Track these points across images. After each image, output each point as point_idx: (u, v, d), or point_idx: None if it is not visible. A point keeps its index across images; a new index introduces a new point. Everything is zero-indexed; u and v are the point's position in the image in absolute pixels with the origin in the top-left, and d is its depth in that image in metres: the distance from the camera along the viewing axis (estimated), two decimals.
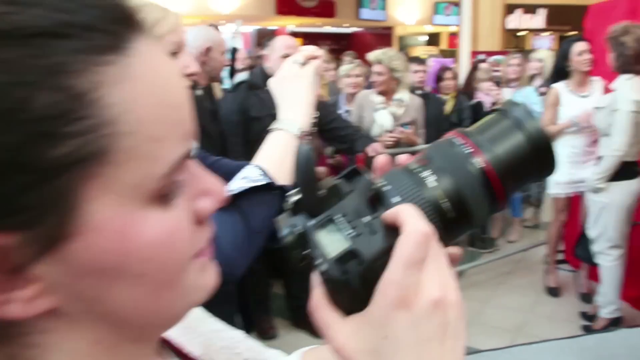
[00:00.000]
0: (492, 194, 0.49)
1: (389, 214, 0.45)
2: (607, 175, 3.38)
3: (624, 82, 3.28)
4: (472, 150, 0.49)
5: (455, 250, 0.51)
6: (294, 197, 0.50)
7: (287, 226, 0.49)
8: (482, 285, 4.47)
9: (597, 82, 3.87)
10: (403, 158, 0.53)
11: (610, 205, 3.44)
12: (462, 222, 0.49)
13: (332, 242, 0.46)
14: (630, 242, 3.62)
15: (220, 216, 1.01)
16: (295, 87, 1.16)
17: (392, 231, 0.44)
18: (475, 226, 0.50)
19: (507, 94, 5.35)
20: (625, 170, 3.37)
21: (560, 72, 3.91)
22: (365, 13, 14.59)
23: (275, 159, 1.07)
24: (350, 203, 0.48)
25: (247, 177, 1.02)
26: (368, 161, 3.31)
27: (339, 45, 13.26)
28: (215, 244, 0.98)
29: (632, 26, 3.26)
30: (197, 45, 2.81)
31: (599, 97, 3.72)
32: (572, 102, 3.82)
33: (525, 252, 4.92)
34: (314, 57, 1.21)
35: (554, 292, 4.25)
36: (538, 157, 0.50)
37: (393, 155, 3.54)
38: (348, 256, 0.44)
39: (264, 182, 1.01)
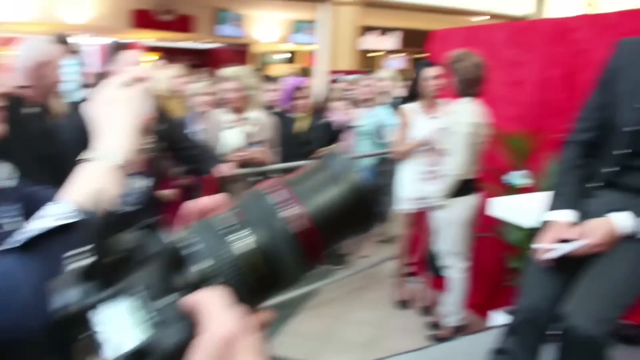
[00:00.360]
0: (310, 249, 0.46)
1: (189, 303, 0.40)
2: (449, 192, 3.57)
3: (462, 105, 3.49)
4: (291, 202, 0.46)
5: (267, 314, 0.47)
6: (84, 259, 0.42)
7: (67, 297, 0.42)
8: (336, 301, 4.53)
9: (445, 104, 4.09)
10: (210, 203, 0.49)
11: (453, 220, 3.64)
12: (277, 280, 0.46)
13: (124, 327, 0.39)
14: (474, 254, 3.86)
15: (20, 261, 0.88)
16: (116, 112, 1.03)
17: (193, 321, 0.39)
18: (291, 283, 0.47)
19: (360, 113, 5.53)
20: (464, 188, 3.58)
21: (413, 93, 4.10)
22: (224, 29, 14.52)
23: (87, 193, 0.94)
24: (149, 272, 0.42)
25: (54, 215, 0.88)
26: (218, 182, 3.24)
27: (197, 61, 13.05)
28: (12, 294, 0.85)
29: (468, 53, 3.49)
30: (29, 60, 2.60)
31: (445, 119, 3.94)
32: (421, 123, 4.00)
33: (377, 267, 5.06)
34: (143, 79, 1.11)
35: (404, 304, 4.41)
36: (357, 210, 0.47)
37: (243, 175, 3.52)
38: (142, 352, 0.38)
39: (72, 221, 0.87)
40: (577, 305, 1.79)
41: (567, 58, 3.63)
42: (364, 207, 0.48)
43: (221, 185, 3.24)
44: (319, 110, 5.56)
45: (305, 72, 12.35)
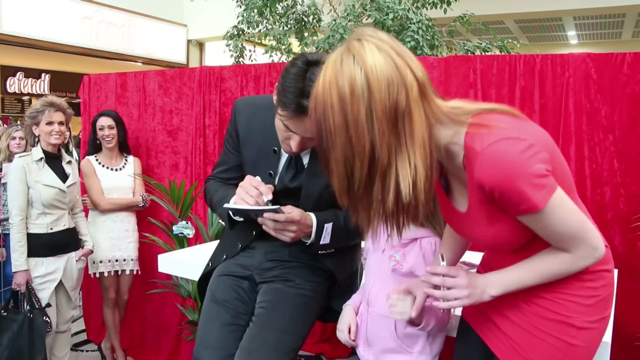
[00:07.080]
0: None
1: None
2: None
3: None
4: None
5: None
6: None
7: None
8: None
9: (130, 156, 3.85)
10: None
11: None
12: None
13: None
14: (152, 310, 3.60)
15: None
16: None
17: None
18: None
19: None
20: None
21: (94, 143, 3.75)
22: None
23: None
24: None
25: None
26: None
27: None
28: None
29: None
30: None
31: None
32: (105, 175, 3.68)
33: None
34: None
35: None
36: None
37: None
38: None
39: None
40: (246, 356, 1.74)
41: (220, 106, 3.73)
42: None
43: None
44: None
45: None
